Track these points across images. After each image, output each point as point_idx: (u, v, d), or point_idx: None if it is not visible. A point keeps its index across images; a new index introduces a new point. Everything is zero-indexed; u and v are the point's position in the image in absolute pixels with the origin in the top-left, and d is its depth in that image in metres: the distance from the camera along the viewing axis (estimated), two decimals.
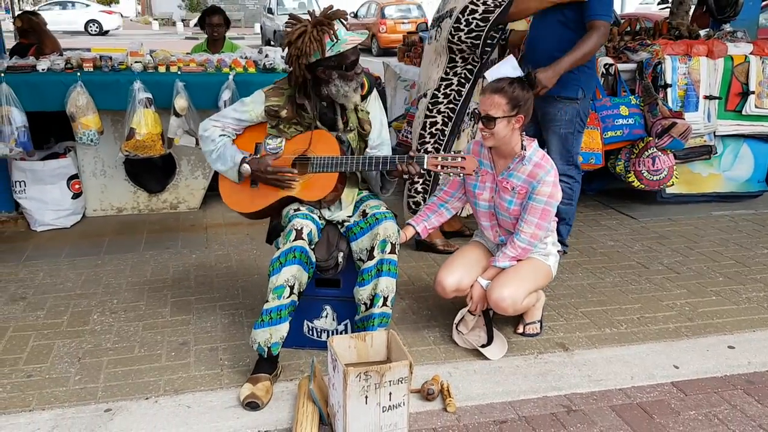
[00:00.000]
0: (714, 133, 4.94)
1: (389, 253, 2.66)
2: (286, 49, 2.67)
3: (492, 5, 3.62)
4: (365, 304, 2.68)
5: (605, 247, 4.22)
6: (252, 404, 2.47)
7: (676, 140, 4.58)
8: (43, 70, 4.14)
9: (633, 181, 4.77)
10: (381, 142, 2.93)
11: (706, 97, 4.85)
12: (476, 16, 3.65)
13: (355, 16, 22.45)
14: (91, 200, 4.69)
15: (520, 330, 3.07)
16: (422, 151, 3.81)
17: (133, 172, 4.72)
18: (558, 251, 3.10)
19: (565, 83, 3.61)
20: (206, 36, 5.77)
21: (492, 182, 2.95)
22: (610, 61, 4.82)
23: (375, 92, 2.96)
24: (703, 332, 3.11)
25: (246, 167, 2.74)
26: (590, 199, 5.27)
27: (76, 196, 4.52)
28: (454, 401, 2.51)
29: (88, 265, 3.82)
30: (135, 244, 4.17)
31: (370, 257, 2.67)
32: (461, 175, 2.70)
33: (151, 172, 4.77)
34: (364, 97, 2.87)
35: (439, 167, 2.66)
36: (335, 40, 2.60)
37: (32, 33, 5.14)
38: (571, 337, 3.06)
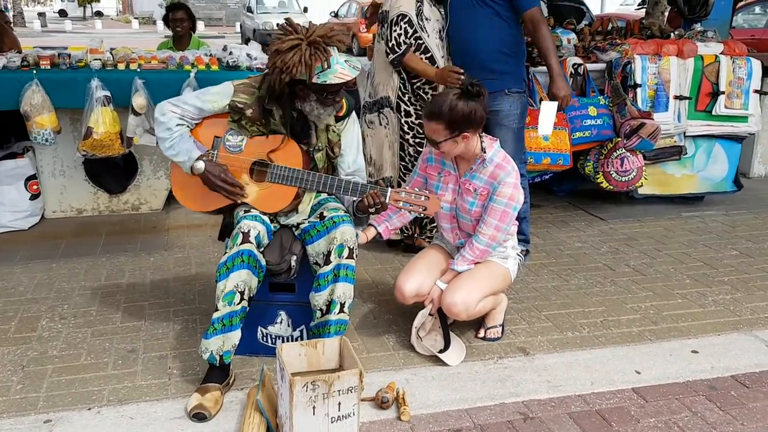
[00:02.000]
0: (684, 133, 4.92)
1: (347, 257, 2.57)
2: (270, 54, 2.53)
3: (393, 44, 3.66)
4: (321, 310, 2.59)
5: (572, 249, 4.18)
6: (199, 415, 2.37)
7: (644, 141, 4.55)
8: None
9: (602, 182, 4.73)
10: (356, 168, 2.84)
11: (676, 97, 4.82)
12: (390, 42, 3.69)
13: (336, 15, 22.34)
14: (50, 201, 4.57)
15: (481, 334, 3.01)
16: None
17: (93, 172, 4.60)
18: (519, 253, 3.05)
19: (513, 76, 3.62)
20: (171, 33, 5.67)
21: (455, 184, 2.88)
22: (579, 61, 4.78)
23: (353, 116, 2.85)
24: (667, 336, 3.07)
25: (200, 165, 2.60)
26: (560, 200, 5.23)
27: (34, 197, 4.40)
28: (408, 409, 2.44)
29: (42, 269, 3.70)
30: (92, 247, 4.06)
31: (327, 262, 2.58)
32: (422, 215, 2.63)
33: (111, 172, 4.65)
34: (341, 119, 2.77)
35: (400, 203, 2.58)
36: (326, 68, 2.48)
37: None
38: (532, 341, 3.00)
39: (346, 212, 2.68)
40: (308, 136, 2.70)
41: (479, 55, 3.63)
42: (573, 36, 5.41)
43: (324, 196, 2.79)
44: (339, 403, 2.18)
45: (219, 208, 2.70)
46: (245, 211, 2.61)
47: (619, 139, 4.64)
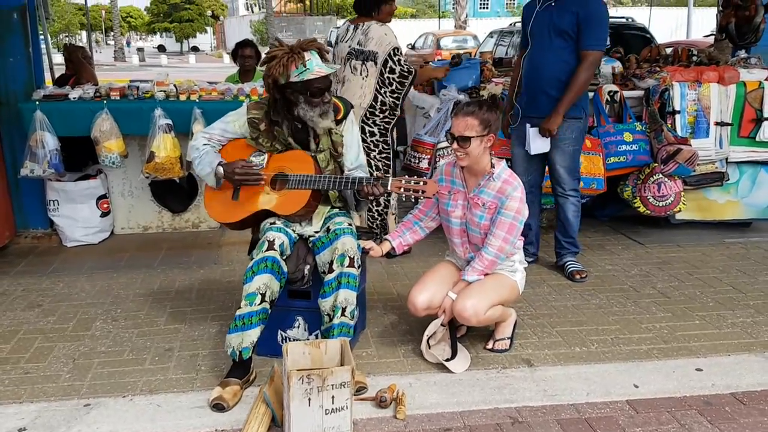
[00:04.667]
0: (726, 159, 4.91)
1: (347, 266, 2.82)
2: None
3: (405, 71, 4.26)
4: (328, 315, 2.85)
5: (602, 271, 4.25)
6: (218, 406, 2.66)
7: (681, 166, 4.60)
8: (74, 98, 4.53)
9: (639, 207, 4.79)
10: (358, 165, 3.12)
11: (717, 124, 4.83)
12: (394, 76, 4.25)
13: (413, 47, 22.82)
14: (119, 219, 5.04)
15: (490, 346, 3.17)
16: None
17: (158, 193, 5.05)
18: (525, 267, 3.24)
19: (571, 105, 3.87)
20: (238, 67, 6.13)
21: (464, 200, 3.09)
22: (614, 88, 4.88)
23: (351, 117, 3.15)
24: (675, 355, 3.13)
25: (220, 169, 2.97)
26: (601, 224, 5.29)
27: (104, 214, 4.88)
28: (404, 409, 2.63)
29: (104, 278, 4.12)
30: (152, 260, 4.47)
31: (330, 270, 2.85)
32: (422, 198, 2.86)
33: (174, 193, 5.09)
34: (339, 121, 3.08)
35: (401, 190, 2.83)
36: (304, 69, 2.83)
37: (72, 65, 5.59)
38: (539, 354, 3.14)
39: (350, 225, 2.94)
40: (309, 143, 3.01)
41: (542, 80, 3.93)
42: (618, 64, 5.51)
43: (334, 210, 3.06)
44: (333, 397, 2.40)
45: (243, 219, 3.01)
46: (271, 224, 2.92)
47: (656, 164, 4.70)
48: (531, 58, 4.00)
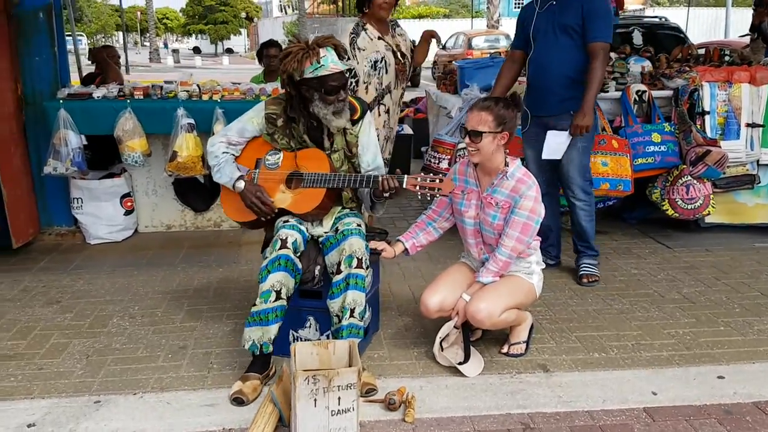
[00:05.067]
0: (758, 162, 4.76)
1: (355, 267, 2.79)
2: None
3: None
4: (337, 316, 2.82)
5: (627, 275, 4.15)
6: (238, 399, 2.67)
7: (711, 168, 4.47)
8: (98, 97, 4.58)
9: (667, 210, 4.68)
10: (375, 167, 3.09)
11: (748, 125, 4.70)
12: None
13: (444, 47, 22.72)
14: (143, 217, 5.08)
15: (505, 350, 3.11)
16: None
17: (181, 191, 5.08)
18: (543, 269, 3.18)
19: (578, 101, 3.76)
20: (263, 67, 6.15)
21: (477, 199, 3.04)
22: (643, 88, 4.77)
23: (369, 118, 3.12)
24: (697, 362, 3.03)
25: (240, 185, 2.97)
26: (630, 227, 5.17)
27: (128, 213, 4.92)
28: (413, 412, 2.59)
29: (124, 275, 4.16)
30: (173, 258, 4.49)
31: (338, 271, 2.82)
32: (438, 195, 2.81)
33: (197, 192, 5.11)
34: (356, 122, 3.05)
35: (417, 187, 2.79)
36: (318, 65, 2.81)
37: (98, 65, 5.67)
38: (556, 359, 3.07)
39: (358, 225, 2.91)
40: (323, 141, 2.99)
41: (550, 79, 3.85)
42: (648, 63, 5.39)
43: (345, 211, 3.04)
44: (339, 398, 2.37)
45: (256, 220, 3.01)
46: (284, 222, 2.91)
47: (685, 166, 4.58)
48: (536, 58, 3.91)
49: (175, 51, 35.97)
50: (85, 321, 3.49)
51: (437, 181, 2.77)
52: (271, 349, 2.81)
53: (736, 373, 2.93)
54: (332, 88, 2.85)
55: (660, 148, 4.62)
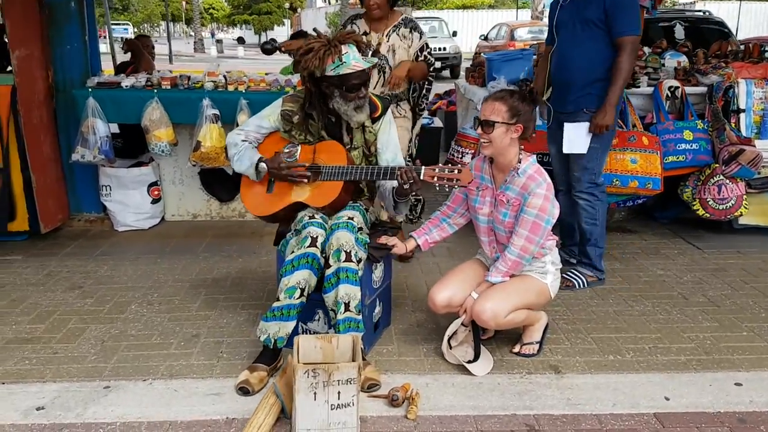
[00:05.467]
0: None
1: (344, 261, 2.76)
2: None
3: None
4: (333, 310, 2.80)
5: (652, 276, 4.05)
6: (244, 389, 2.68)
7: (744, 168, 4.33)
8: (126, 86, 4.64)
9: (698, 210, 4.55)
10: (396, 165, 3.05)
11: None
12: None
13: (486, 38, 22.49)
14: (169, 206, 5.15)
15: (516, 349, 3.06)
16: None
17: (207, 181, 5.13)
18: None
19: (596, 97, 3.64)
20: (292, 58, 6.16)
21: (491, 196, 2.99)
22: (676, 84, 4.64)
23: (389, 117, 3.10)
24: (715, 367, 2.94)
25: (263, 165, 3.01)
26: (660, 227, 5.04)
27: (155, 201, 4.99)
28: (416, 409, 2.56)
29: (147, 263, 4.21)
30: (196, 247, 4.54)
31: (327, 266, 2.80)
32: (456, 186, 2.77)
33: (222, 182, 5.14)
34: (376, 120, 3.03)
35: (435, 179, 2.75)
36: (340, 63, 2.80)
37: (133, 54, 5.75)
38: (569, 360, 3.00)
39: (350, 218, 2.88)
40: (342, 137, 2.98)
41: (569, 74, 3.74)
42: (684, 59, 5.25)
43: (349, 204, 3.02)
44: (339, 392, 2.36)
45: (282, 208, 3.03)
46: (310, 217, 2.90)
47: (717, 165, 4.44)
48: (558, 52, 3.79)
49: (218, 41, 36.32)
50: (105, 306, 3.55)
51: (456, 171, 2.73)
52: (285, 344, 2.81)
53: (755, 381, 2.83)
54: (353, 85, 2.83)
55: (692, 146, 4.48)
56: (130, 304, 3.58)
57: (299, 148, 3.02)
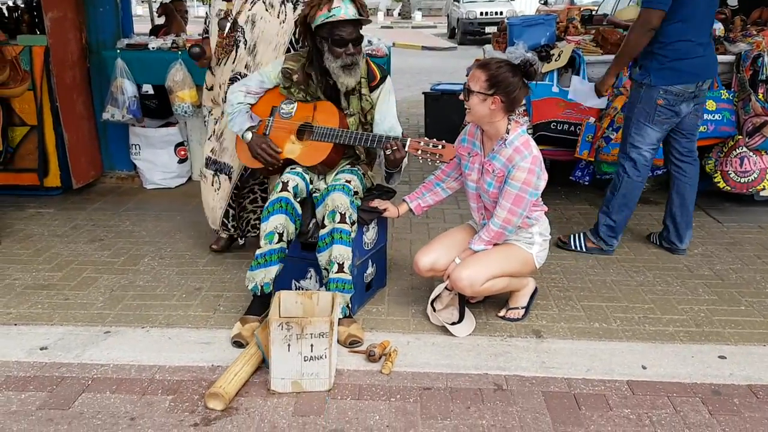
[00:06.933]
0: None
1: (339, 222, 2.86)
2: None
3: None
4: (326, 269, 2.90)
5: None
6: (237, 343, 2.83)
7: None
8: (153, 48, 4.80)
9: (719, 182, 4.44)
10: (384, 134, 3.11)
11: None
12: None
13: (545, 2, 21.92)
14: (196, 166, 5.32)
15: (502, 313, 3.11)
16: None
17: None
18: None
19: (640, 67, 3.67)
20: None
21: (479, 164, 3.01)
22: None
23: (388, 86, 3.16)
24: (702, 339, 2.92)
25: (248, 136, 3.09)
26: None
27: (181, 161, 5.18)
28: (390, 365, 2.66)
29: (168, 219, 4.41)
30: None
31: (323, 225, 2.90)
32: (438, 162, 2.82)
33: None
34: (374, 88, 3.09)
35: (419, 152, 2.81)
36: (329, 14, 2.88)
37: (167, 17, 5.92)
38: (552, 326, 3.04)
39: (347, 182, 2.96)
40: (339, 100, 3.06)
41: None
42: (719, 26, 5.06)
43: (345, 167, 3.11)
44: (312, 345, 2.48)
45: (264, 167, 3.15)
46: (291, 169, 3.02)
47: (741, 137, 4.32)
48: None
49: None
50: (120, 259, 3.75)
51: (440, 147, 2.77)
52: (271, 289, 2.93)
53: (741, 354, 2.81)
54: (341, 39, 2.89)
55: (714, 116, 4.36)
56: (143, 258, 3.77)
57: (296, 105, 3.11)
